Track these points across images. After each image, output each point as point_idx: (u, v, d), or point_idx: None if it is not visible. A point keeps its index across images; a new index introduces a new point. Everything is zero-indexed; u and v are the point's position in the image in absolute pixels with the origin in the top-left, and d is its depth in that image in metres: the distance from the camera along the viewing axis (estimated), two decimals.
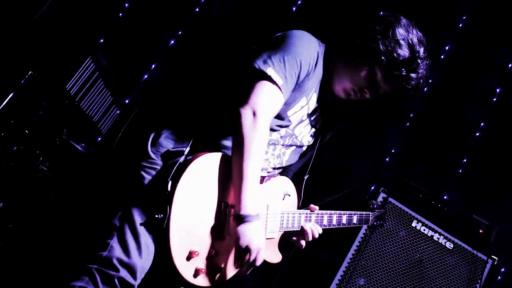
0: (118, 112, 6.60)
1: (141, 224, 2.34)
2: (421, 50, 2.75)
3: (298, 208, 3.05)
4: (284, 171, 3.08)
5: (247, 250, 2.41)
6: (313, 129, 3.01)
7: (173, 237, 2.22)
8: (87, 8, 6.81)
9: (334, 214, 3.14)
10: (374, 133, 6.86)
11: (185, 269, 2.30)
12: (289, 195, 2.91)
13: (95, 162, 5.51)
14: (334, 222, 3.14)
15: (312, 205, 3.05)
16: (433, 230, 4.49)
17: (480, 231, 4.53)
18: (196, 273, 2.34)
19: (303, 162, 3.13)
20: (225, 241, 2.45)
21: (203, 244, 2.37)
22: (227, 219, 2.41)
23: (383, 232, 4.48)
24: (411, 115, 6.81)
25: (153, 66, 6.71)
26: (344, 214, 3.21)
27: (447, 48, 6.88)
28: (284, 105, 2.64)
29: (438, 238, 4.46)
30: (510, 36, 6.57)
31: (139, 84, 6.57)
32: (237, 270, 2.55)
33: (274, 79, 2.44)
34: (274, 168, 2.88)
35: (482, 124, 6.63)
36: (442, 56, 6.86)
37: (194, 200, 2.31)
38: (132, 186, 2.44)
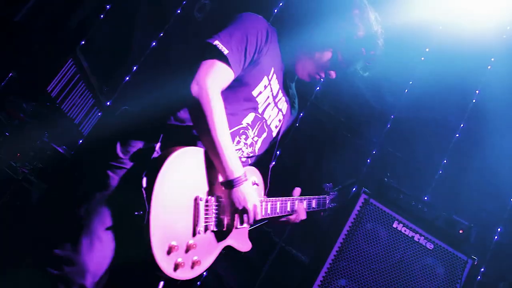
0: (99, 114, 6.58)
1: (108, 228, 2.36)
2: (378, 29, 2.91)
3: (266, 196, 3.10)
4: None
5: (245, 210, 2.56)
6: (280, 113, 3.05)
7: (153, 233, 2.24)
8: (68, 9, 6.78)
9: (296, 200, 3.24)
10: (356, 134, 6.91)
11: (166, 264, 2.31)
12: (257, 185, 2.96)
13: (76, 164, 5.49)
14: (296, 207, 3.24)
15: (298, 188, 3.23)
16: (413, 230, 4.52)
17: (460, 232, 4.57)
18: (176, 267, 2.36)
19: (269, 151, 3.16)
20: (201, 234, 2.48)
21: (181, 238, 2.39)
22: (199, 213, 2.45)
23: (364, 233, 4.51)
24: (392, 116, 6.86)
25: (134, 68, 6.69)
26: (304, 199, 3.32)
27: (427, 50, 6.94)
28: (247, 86, 2.73)
29: (418, 239, 4.49)
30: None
31: (121, 86, 6.55)
32: (214, 258, 2.63)
33: (220, 49, 2.52)
34: (247, 157, 2.91)
35: (462, 125, 6.69)
36: (422, 58, 6.92)
37: (171, 194, 2.34)
38: (99, 186, 2.45)
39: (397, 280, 4.38)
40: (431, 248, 4.48)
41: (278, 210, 3.08)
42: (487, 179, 6.14)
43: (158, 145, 2.45)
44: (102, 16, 6.71)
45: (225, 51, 2.53)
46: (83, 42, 6.55)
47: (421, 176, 6.51)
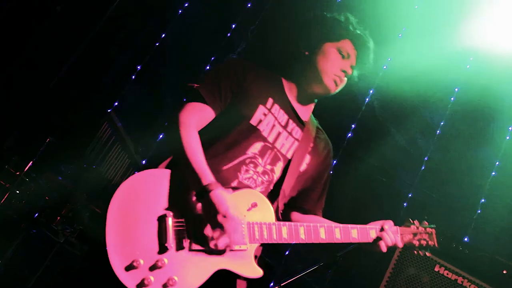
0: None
1: None
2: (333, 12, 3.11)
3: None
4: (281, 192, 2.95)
5: (217, 221, 2.43)
6: (296, 142, 3.01)
7: (110, 249, 2.33)
8: (100, 72, 6.96)
9: (322, 226, 2.87)
10: (391, 178, 6.88)
11: (126, 279, 2.33)
12: (256, 206, 2.73)
13: None
14: (323, 236, 2.85)
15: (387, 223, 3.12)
16: (456, 273, 4.46)
17: (504, 272, 4.50)
18: (142, 284, 2.34)
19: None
20: (170, 251, 2.44)
21: (146, 254, 2.39)
22: (166, 230, 2.44)
23: (407, 278, 4.47)
24: (426, 158, 6.84)
25: (166, 123, 6.77)
26: (344, 226, 2.94)
27: (456, 89, 6.95)
28: (245, 117, 2.83)
29: (462, 282, 4.43)
30: None
31: (155, 144, 6.65)
32: (202, 280, 2.50)
33: (193, 85, 2.82)
34: (263, 185, 2.86)
35: (497, 163, 6.64)
36: (451, 98, 6.92)
37: (130, 212, 2.42)
38: None
39: None
40: None
41: (303, 237, 2.77)
42: None
43: None
44: (133, 76, 6.87)
45: (195, 84, 2.81)
46: (116, 103, 6.69)
47: (459, 216, 6.44)
